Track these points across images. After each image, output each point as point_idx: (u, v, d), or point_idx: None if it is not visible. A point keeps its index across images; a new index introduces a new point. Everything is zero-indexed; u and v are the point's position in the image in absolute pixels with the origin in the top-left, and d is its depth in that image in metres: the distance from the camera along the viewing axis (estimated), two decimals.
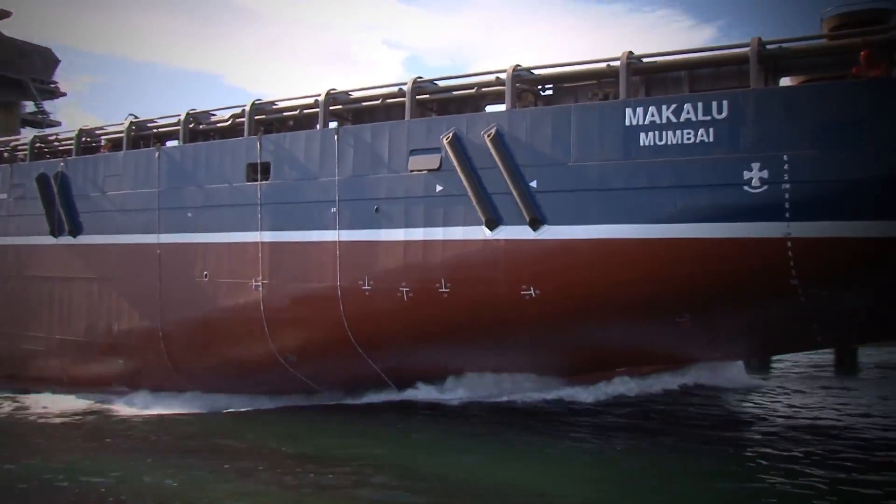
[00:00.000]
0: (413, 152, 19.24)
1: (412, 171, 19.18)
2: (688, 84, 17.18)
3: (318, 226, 20.67)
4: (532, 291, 17.65)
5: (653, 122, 16.18)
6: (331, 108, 21.25)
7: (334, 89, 21.25)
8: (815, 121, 14.63)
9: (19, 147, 29.03)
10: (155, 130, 25.72)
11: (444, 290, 18.66)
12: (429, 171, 18.95)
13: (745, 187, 15.19)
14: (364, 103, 21.17)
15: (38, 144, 28.62)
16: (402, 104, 20.15)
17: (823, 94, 14.97)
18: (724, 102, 15.48)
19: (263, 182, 21.75)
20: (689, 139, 15.80)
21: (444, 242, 18.62)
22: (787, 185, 14.78)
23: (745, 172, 15.19)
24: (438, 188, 18.76)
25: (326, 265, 20.42)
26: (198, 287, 22.95)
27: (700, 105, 15.70)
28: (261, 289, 21.60)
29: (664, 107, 16.09)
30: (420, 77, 19.78)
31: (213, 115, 24.58)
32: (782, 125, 14.90)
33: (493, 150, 17.80)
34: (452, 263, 18.54)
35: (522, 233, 17.59)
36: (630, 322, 17.70)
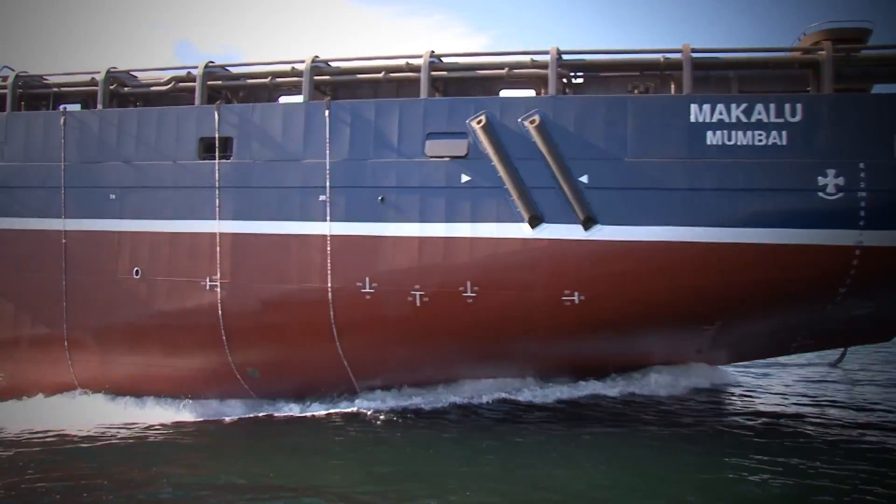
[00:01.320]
0: (431, 135, 16.76)
1: (430, 157, 16.69)
2: (736, 84, 16.59)
3: (300, 216, 17.37)
4: (575, 297, 16.05)
5: (721, 121, 15.34)
6: (316, 78, 17.99)
7: (318, 57, 17.98)
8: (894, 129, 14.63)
9: None
10: (56, 90, 20.38)
11: (469, 294, 16.42)
12: (452, 158, 16.59)
13: (820, 193, 14.84)
14: (359, 76, 18.16)
15: None
16: (407, 80, 17.62)
17: None
18: (799, 105, 15.04)
19: (223, 160, 17.91)
20: (760, 140, 15.15)
21: (473, 240, 16.38)
22: (864, 194, 14.64)
23: (819, 178, 14.83)
24: (465, 178, 16.48)
25: (312, 263, 17.22)
26: (124, 286, 18.44)
27: (773, 106, 15.12)
28: (218, 289, 17.76)
29: (734, 105, 15.32)
30: (433, 52, 17.27)
31: (136, 76, 19.99)
32: (860, 132, 14.72)
33: (538, 140, 15.94)
34: (483, 264, 16.36)
35: (570, 232, 15.92)
36: (667, 329, 16.80)
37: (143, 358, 18.55)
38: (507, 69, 17.07)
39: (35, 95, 20.59)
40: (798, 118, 15.02)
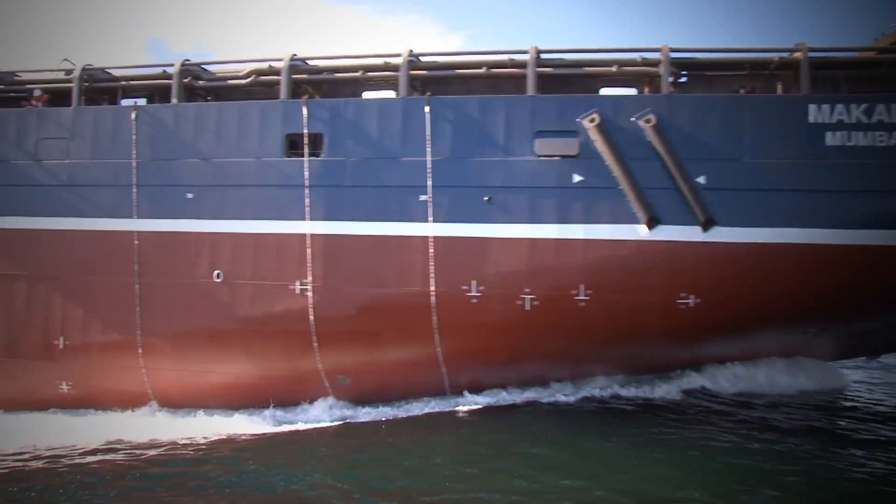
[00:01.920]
0: (540, 134, 16.31)
1: (540, 156, 16.25)
2: (845, 84, 16.52)
3: (399, 216, 16.75)
4: (690, 300, 15.82)
5: (841, 122, 15.25)
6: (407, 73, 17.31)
7: (412, 51, 17.31)
8: None
9: None
10: (124, 83, 19.28)
11: (581, 297, 16.05)
12: (563, 157, 16.18)
13: None
14: (458, 70, 17.55)
15: None
16: (509, 76, 17.14)
17: None
18: None
19: (313, 158, 17.17)
20: (881, 141, 15.12)
21: (587, 242, 16.01)
22: None
23: None
24: (577, 178, 16.09)
25: (414, 265, 16.63)
26: (203, 289, 17.56)
27: (894, 107, 15.10)
28: (309, 293, 17.03)
29: (854, 106, 15.24)
30: (537, 47, 16.79)
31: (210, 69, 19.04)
32: None
33: (654, 140, 15.62)
34: (596, 266, 16.00)
35: (689, 234, 15.67)
36: (778, 328, 16.67)
37: (223, 365, 17.72)
38: (616, 66, 16.68)
39: (98, 90, 19.47)
40: None
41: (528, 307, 16.22)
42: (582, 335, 16.36)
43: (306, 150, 17.18)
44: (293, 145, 17.43)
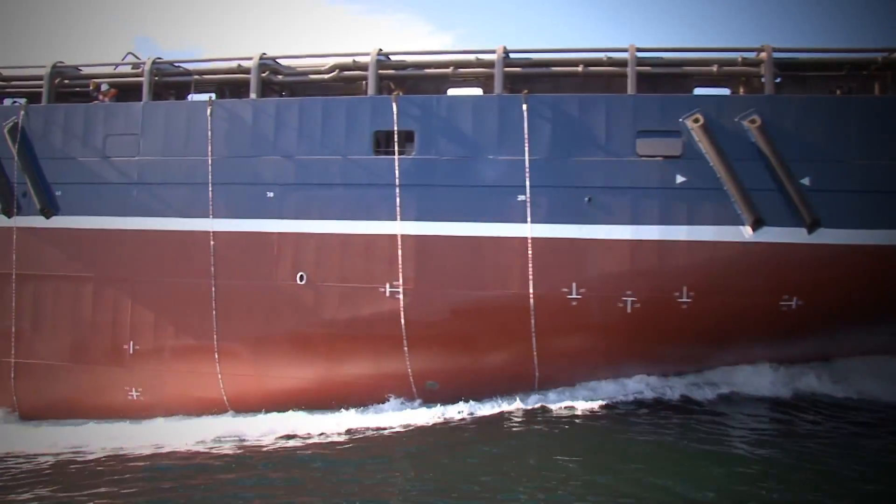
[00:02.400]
0: (642, 133, 16.08)
1: (642, 156, 16.02)
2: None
3: (496, 217, 16.38)
4: (793, 302, 15.72)
5: None
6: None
7: (506, 48, 16.96)
8: None
9: None
10: (196, 77, 18.57)
11: (684, 299, 15.85)
12: (665, 157, 15.98)
13: None
14: (553, 68, 17.22)
15: None
16: (608, 74, 16.93)
17: None
18: None
19: (403, 156, 16.71)
20: None
21: (690, 244, 15.81)
22: None
23: None
24: (680, 179, 15.89)
25: (511, 267, 16.27)
26: (285, 292, 16.98)
27: None
28: (400, 296, 16.56)
29: None
30: (635, 46, 16.54)
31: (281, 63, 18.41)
32: None
33: (760, 140, 15.48)
34: (700, 268, 15.81)
35: (794, 236, 15.56)
36: (874, 328, 16.60)
37: (304, 369, 17.15)
38: (716, 66, 16.51)
39: (167, 84, 18.76)
40: None
41: (629, 310, 15.98)
42: (682, 338, 16.16)
43: (396, 148, 16.72)
44: (380, 143, 16.96)
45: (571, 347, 16.40)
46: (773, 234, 15.58)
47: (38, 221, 18.23)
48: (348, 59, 17.65)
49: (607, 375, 16.74)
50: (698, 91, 17.27)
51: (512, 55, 16.99)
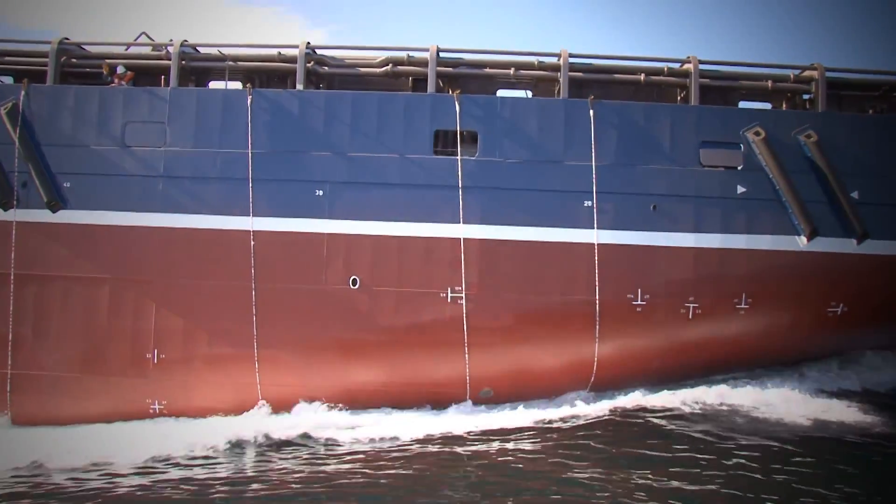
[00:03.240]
0: (706, 144, 16.35)
1: (706, 166, 16.29)
2: None
3: (562, 222, 16.13)
4: (839, 308, 16.52)
5: None
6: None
7: (566, 51, 16.74)
8: None
9: None
10: (230, 64, 17.03)
11: (742, 306, 16.26)
12: (726, 167, 16.33)
13: None
14: (616, 75, 17.14)
15: None
16: (667, 84, 17.12)
17: None
18: None
19: (466, 158, 16.13)
20: None
21: (749, 252, 16.22)
22: None
23: None
24: (741, 189, 16.29)
25: (577, 273, 16.07)
26: (336, 297, 15.95)
27: None
28: (463, 301, 15.96)
29: None
30: (697, 58, 16.80)
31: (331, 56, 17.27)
32: None
33: (816, 155, 16.14)
34: (758, 276, 16.26)
35: (844, 246, 16.32)
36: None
37: (356, 378, 16.16)
38: (770, 82, 17.04)
39: (194, 69, 17.14)
40: None
41: (690, 316, 16.19)
42: (741, 343, 16.57)
43: (459, 149, 16.10)
44: (439, 142, 16.28)
45: (633, 353, 16.39)
46: (826, 244, 16.28)
47: (43, 215, 16.13)
48: (402, 54, 16.80)
49: (666, 380, 16.91)
50: (743, 104, 17.83)
51: (572, 60, 16.79)
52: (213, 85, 17.73)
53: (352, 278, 16.00)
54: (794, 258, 16.29)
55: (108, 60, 16.80)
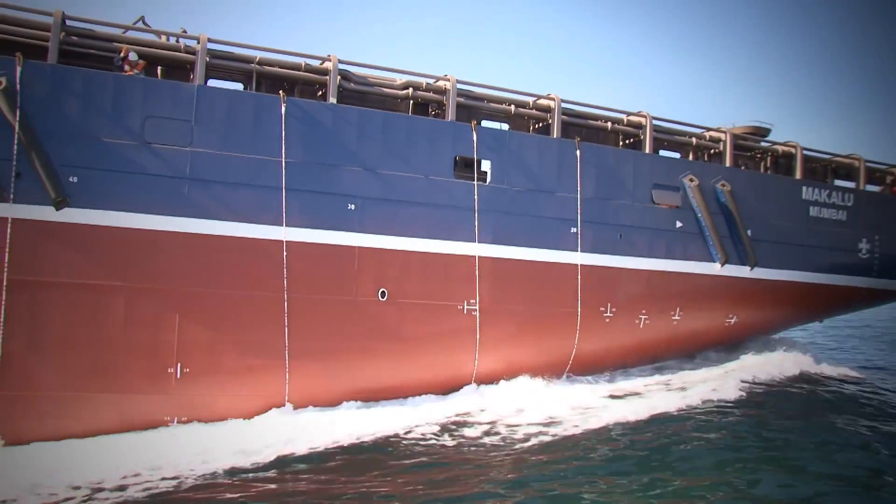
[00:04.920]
0: (656, 186, 20.06)
1: (657, 203, 20.00)
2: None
3: (554, 245, 18.65)
4: (733, 319, 21.48)
5: (817, 200, 22.65)
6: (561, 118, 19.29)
7: (555, 96, 19.27)
8: (890, 217, 24.00)
9: None
10: (256, 67, 16.38)
11: (676, 317, 20.33)
12: (669, 206, 20.22)
13: (859, 253, 23.37)
14: (591, 122, 19.98)
15: None
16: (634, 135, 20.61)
17: (892, 203, 24.38)
18: (851, 195, 23.31)
19: (481, 183, 17.87)
20: (832, 215, 22.95)
21: (680, 275, 20.31)
22: (876, 255, 23.66)
23: (858, 244, 23.35)
24: (678, 224, 20.30)
25: (566, 288, 18.73)
26: (366, 309, 16.64)
27: (840, 194, 23.09)
28: (476, 313, 17.69)
29: (822, 190, 22.79)
30: (643, 113, 20.48)
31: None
32: (877, 216, 23.70)
33: (729, 201, 20.80)
34: (687, 294, 20.43)
35: (742, 272, 21.24)
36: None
37: (380, 382, 16.93)
38: (693, 139, 21.39)
39: (213, 67, 16.25)
40: (850, 203, 23.26)
41: (641, 325, 19.82)
42: (676, 349, 20.74)
43: (476, 174, 17.73)
44: (457, 166, 17.74)
45: (602, 353, 19.55)
46: (732, 270, 21.05)
47: (45, 213, 14.24)
48: (421, 80, 17.89)
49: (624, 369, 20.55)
50: (663, 153, 22.00)
51: (564, 105, 19.39)
52: (212, 83, 16.96)
53: (381, 290, 16.73)
54: (711, 280, 20.78)
55: (126, 45, 15.28)
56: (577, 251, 18.86)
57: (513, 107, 19.06)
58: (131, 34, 15.92)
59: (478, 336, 17.65)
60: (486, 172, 18.07)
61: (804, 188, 22.70)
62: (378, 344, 16.77)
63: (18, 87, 13.99)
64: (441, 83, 18.04)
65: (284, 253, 15.88)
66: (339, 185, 16.42)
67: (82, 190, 14.48)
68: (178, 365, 15.09)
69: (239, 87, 17.38)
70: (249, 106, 15.87)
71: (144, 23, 16.39)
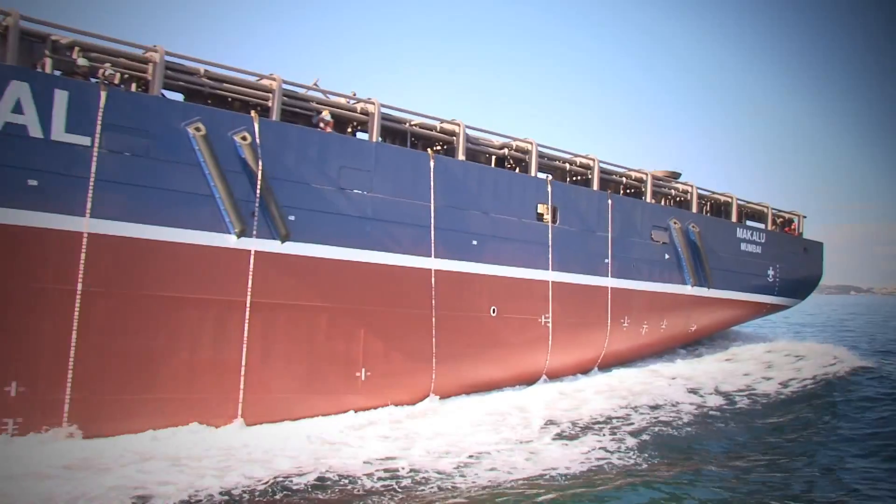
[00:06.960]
0: (653, 227, 26.61)
1: (654, 240, 26.56)
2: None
3: (595, 272, 24.48)
4: (695, 327, 28.75)
5: (745, 238, 30.59)
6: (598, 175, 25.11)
7: (594, 156, 25.10)
8: (786, 251, 32.67)
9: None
10: (410, 128, 20.35)
11: (663, 326, 27.05)
12: (662, 242, 26.88)
13: (767, 278, 31.73)
14: (624, 178, 26.09)
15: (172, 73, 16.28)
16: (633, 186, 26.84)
17: (787, 240, 33.03)
18: (764, 234, 31.59)
19: (553, 224, 23.23)
20: (753, 249, 31.05)
21: (667, 294, 27.05)
22: (778, 279, 32.19)
23: (767, 271, 31.70)
24: (666, 256, 27.03)
25: (600, 305, 24.62)
26: (484, 322, 21.39)
27: (757, 233, 31.28)
28: (549, 324, 23.04)
29: (747, 230, 30.79)
30: (644, 171, 26.95)
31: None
32: (778, 250, 32.24)
33: (698, 239, 27.92)
34: (670, 308, 27.21)
35: (703, 291, 28.43)
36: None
37: (488, 374, 21.64)
38: (672, 190, 28.23)
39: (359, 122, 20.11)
40: (763, 240, 31.52)
41: (643, 332, 26.29)
42: (661, 349, 27.39)
43: (551, 218, 23.05)
44: (542, 212, 22.95)
45: (616, 356, 25.67)
46: (695, 290, 28.17)
47: (274, 246, 17.42)
48: (513, 143, 22.90)
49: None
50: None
51: (602, 164, 25.29)
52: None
53: (492, 308, 21.48)
54: (685, 298, 27.77)
55: (321, 106, 18.70)
56: (608, 276, 24.82)
57: (567, 164, 24.63)
58: (312, 93, 19.33)
59: (549, 341, 22.96)
60: (556, 216, 23.44)
61: (738, 229, 30.56)
62: (489, 349, 21.50)
63: (259, 140, 17.12)
64: (524, 144, 23.14)
65: (433, 279, 20.12)
66: (466, 225, 20.94)
67: (298, 227, 17.80)
68: (363, 369, 18.82)
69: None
70: (409, 160, 19.93)
71: (316, 85, 19.72)
